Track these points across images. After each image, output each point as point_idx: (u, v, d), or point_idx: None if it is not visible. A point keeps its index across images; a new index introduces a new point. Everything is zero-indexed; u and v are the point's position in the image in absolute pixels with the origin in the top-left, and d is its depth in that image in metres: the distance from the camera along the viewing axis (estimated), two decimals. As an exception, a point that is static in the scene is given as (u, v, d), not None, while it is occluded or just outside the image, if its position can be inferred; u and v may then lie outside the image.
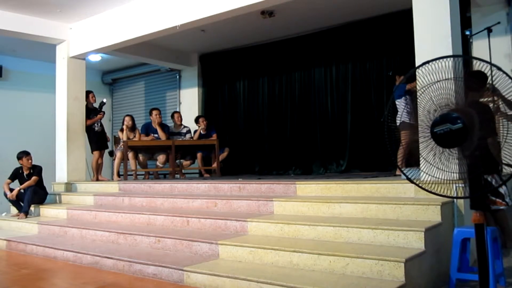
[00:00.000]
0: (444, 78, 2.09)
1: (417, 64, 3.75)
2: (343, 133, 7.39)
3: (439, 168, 2.17)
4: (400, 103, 5.27)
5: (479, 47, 5.97)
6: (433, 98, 2.13)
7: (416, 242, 3.15)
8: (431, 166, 2.20)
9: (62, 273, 4.33)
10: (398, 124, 4.72)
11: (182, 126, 8.11)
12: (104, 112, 7.86)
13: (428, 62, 2.11)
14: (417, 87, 2.23)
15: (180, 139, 7.91)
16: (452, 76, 2.08)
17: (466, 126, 1.95)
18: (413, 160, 2.40)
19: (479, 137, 1.99)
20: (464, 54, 4.73)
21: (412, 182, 2.30)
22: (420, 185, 2.20)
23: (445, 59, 2.09)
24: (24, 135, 8.68)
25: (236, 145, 8.46)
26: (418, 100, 2.22)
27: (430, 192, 2.17)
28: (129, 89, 10.64)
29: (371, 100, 7.13)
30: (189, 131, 8.09)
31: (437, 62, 2.10)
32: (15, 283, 3.86)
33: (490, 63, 1.98)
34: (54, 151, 7.53)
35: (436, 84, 2.11)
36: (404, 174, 2.30)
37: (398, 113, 5.08)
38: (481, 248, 2.09)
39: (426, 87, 2.15)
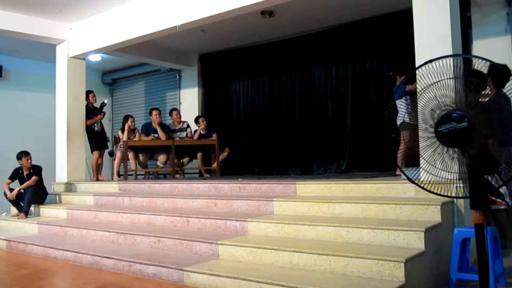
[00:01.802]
0: (446, 77, 2.09)
1: (417, 64, 3.76)
2: (343, 133, 7.39)
3: (440, 168, 2.17)
4: (401, 103, 5.28)
5: (479, 47, 5.98)
6: (437, 97, 2.12)
7: (416, 242, 3.15)
8: (431, 166, 2.20)
9: (62, 273, 4.33)
10: (398, 124, 4.74)
11: (182, 122, 8.13)
12: (104, 113, 7.86)
13: (430, 61, 2.11)
14: (418, 86, 2.23)
15: (184, 134, 7.93)
16: (454, 75, 2.08)
17: (471, 125, 1.95)
18: (413, 160, 2.40)
19: (483, 136, 1.99)
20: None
21: (412, 182, 2.30)
22: (420, 185, 2.20)
23: (446, 59, 2.09)
24: (24, 135, 8.67)
25: (236, 145, 8.46)
26: (419, 100, 2.22)
27: (430, 192, 2.17)
28: (129, 89, 10.64)
29: (371, 100, 7.12)
30: (188, 125, 8.12)
31: (438, 62, 2.09)
32: (15, 283, 3.86)
33: (490, 61, 1.98)
34: (54, 151, 7.53)
35: (438, 83, 2.11)
36: (404, 174, 2.30)
37: (399, 113, 5.08)
38: (481, 248, 2.09)
39: (428, 87, 2.15)
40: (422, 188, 2.19)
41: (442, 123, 2.02)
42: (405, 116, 4.83)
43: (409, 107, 5.06)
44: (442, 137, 2.04)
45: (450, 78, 2.09)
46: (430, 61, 2.12)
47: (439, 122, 2.04)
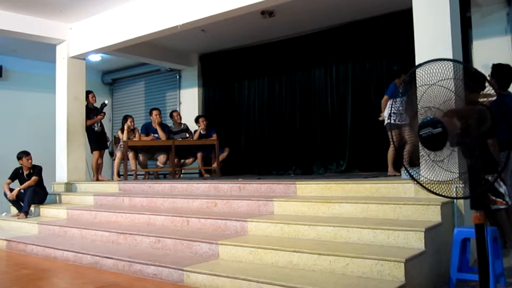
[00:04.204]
0: (430, 82, 2.12)
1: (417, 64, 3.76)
2: (343, 133, 7.39)
3: (436, 168, 2.18)
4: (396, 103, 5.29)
5: (479, 47, 5.98)
6: (420, 101, 2.17)
7: (416, 242, 3.15)
8: (429, 166, 2.22)
9: (62, 273, 4.33)
10: (390, 123, 4.72)
11: (182, 125, 8.14)
12: (104, 113, 7.86)
13: (420, 65, 2.15)
14: (401, 88, 2.26)
15: (184, 134, 7.94)
16: (435, 80, 2.10)
17: (446, 131, 1.98)
18: (415, 159, 2.41)
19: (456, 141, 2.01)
20: (464, 55, 4.72)
21: (417, 182, 2.28)
22: (424, 185, 2.20)
23: (435, 62, 2.10)
24: (24, 135, 8.68)
25: (236, 145, 8.46)
26: (407, 103, 2.26)
27: (433, 193, 2.17)
28: (129, 89, 10.64)
29: (371, 100, 7.11)
30: (187, 127, 8.14)
31: (427, 66, 2.11)
32: (15, 283, 3.86)
33: (470, 66, 1.99)
34: (54, 151, 7.53)
35: (423, 87, 2.15)
36: (409, 173, 2.28)
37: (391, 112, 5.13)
38: (481, 248, 2.09)
39: (415, 90, 2.19)
40: (425, 188, 2.19)
41: (423, 127, 2.07)
42: (394, 116, 4.85)
43: (400, 108, 5.08)
44: (423, 140, 2.08)
45: (432, 84, 2.12)
46: (420, 65, 2.15)
47: (420, 126, 2.08)
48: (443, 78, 2.08)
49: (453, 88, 2.07)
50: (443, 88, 2.08)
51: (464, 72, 2.09)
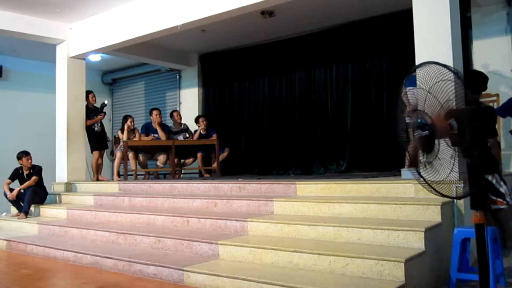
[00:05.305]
0: (427, 84, 2.13)
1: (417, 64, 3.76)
2: (343, 133, 7.39)
3: (429, 168, 2.19)
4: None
5: (479, 47, 5.98)
6: (414, 103, 2.19)
7: (416, 242, 3.15)
8: (421, 166, 2.23)
9: (62, 273, 4.33)
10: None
11: (182, 125, 8.15)
12: (105, 113, 7.86)
13: (418, 66, 2.16)
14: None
15: (185, 134, 7.94)
16: (437, 80, 2.11)
17: (433, 133, 2.00)
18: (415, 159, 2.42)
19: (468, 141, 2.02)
20: (464, 55, 4.72)
21: (425, 181, 2.28)
22: (430, 185, 2.20)
23: (430, 65, 2.12)
24: (24, 135, 8.68)
25: (236, 145, 8.46)
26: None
27: (437, 192, 2.17)
28: (129, 89, 10.64)
29: (371, 100, 7.12)
30: (188, 128, 8.14)
31: (424, 68, 2.12)
32: (15, 283, 3.86)
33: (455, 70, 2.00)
34: (54, 151, 7.52)
35: (416, 89, 2.18)
36: (419, 174, 2.28)
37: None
38: (481, 248, 2.09)
39: (406, 92, 2.22)
40: (432, 188, 2.18)
41: (416, 129, 2.11)
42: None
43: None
44: (418, 141, 2.09)
45: (423, 88, 2.14)
46: (418, 66, 2.16)
47: (415, 127, 2.12)
48: (439, 80, 2.08)
49: (448, 92, 2.07)
50: (432, 93, 2.10)
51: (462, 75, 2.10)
